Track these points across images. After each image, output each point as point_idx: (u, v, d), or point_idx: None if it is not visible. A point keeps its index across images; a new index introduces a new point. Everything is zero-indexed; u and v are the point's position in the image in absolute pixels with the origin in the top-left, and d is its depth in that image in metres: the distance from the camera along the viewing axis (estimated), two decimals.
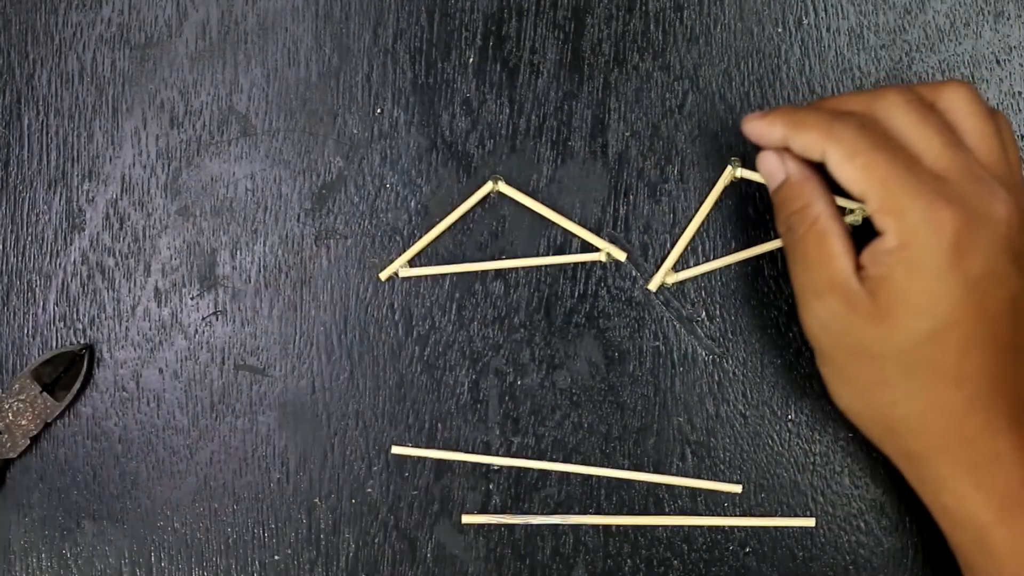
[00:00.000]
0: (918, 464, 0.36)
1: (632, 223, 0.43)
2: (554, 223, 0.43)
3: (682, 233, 0.42)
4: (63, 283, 0.44)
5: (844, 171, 0.34)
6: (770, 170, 0.37)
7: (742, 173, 0.42)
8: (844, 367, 0.36)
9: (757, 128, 0.36)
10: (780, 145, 0.36)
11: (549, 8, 0.43)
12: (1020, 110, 0.43)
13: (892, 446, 0.36)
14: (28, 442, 0.43)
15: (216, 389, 0.43)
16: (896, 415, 0.35)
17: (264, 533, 0.43)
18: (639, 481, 0.42)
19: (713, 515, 0.42)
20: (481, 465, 0.43)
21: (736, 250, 0.42)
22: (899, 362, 0.34)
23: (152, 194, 0.44)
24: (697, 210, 0.42)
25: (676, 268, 0.42)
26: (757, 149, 0.37)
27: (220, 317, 0.43)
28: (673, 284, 0.42)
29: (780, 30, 0.43)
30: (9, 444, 0.43)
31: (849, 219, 0.43)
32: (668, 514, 0.42)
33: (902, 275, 0.33)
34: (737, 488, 0.42)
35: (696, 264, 0.42)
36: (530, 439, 0.43)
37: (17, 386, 0.43)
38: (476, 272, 0.43)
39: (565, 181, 0.43)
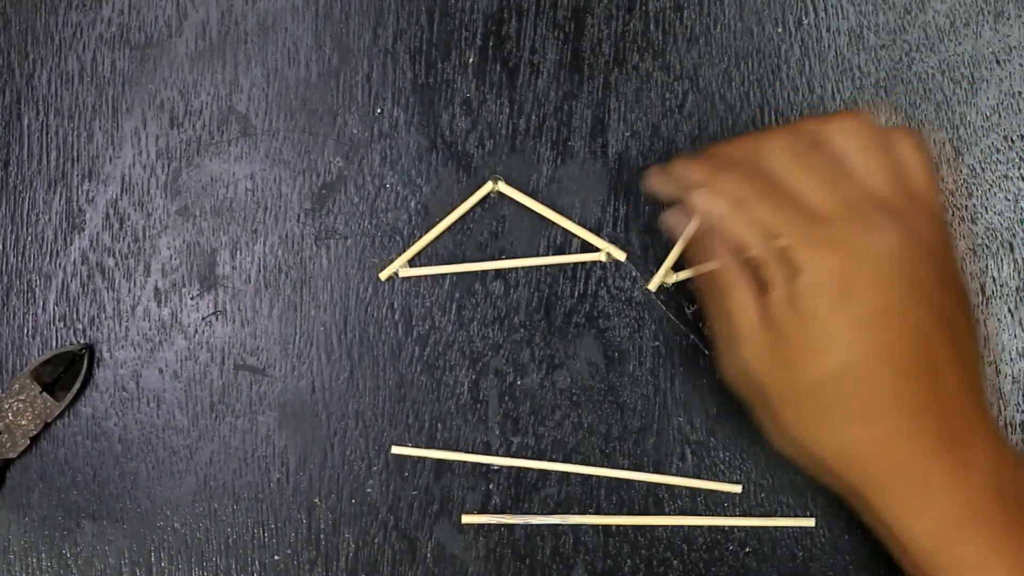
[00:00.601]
0: (857, 497, 0.36)
1: (632, 223, 0.43)
2: (554, 223, 0.43)
3: (682, 233, 0.42)
4: (63, 283, 0.44)
5: (729, 223, 0.35)
6: (672, 229, 0.39)
7: None
8: (767, 412, 0.36)
9: (656, 185, 0.38)
10: (676, 199, 0.37)
11: (549, 8, 0.43)
12: (1020, 110, 0.43)
13: (830, 482, 0.37)
14: (28, 442, 0.43)
15: (216, 389, 0.43)
16: (824, 454, 0.35)
17: (264, 533, 0.43)
18: (639, 481, 0.42)
19: (713, 515, 0.42)
20: (481, 465, 0.43)
21: None
22: (813, 403, 0.34)
23: (152, 194, 0.44)
24: None
25: (676, 268, 0.42)
26: None
27: (220, 317, 0.43)
28: (673, 284, 0.42)
29: (780, 30, 0.43)
30: (9, 444, 0.43)
31: None
32: (668, 514, 0.42)
33: (794, 322, 0.34)
34: (737, 488, 0.42)
35: (696, 264, 0.42)
36: (530, 439, 0.43)
37: (17, 386, 0.43)
38: (476, 272, 0.43)
39: (565, 181, 0.43)
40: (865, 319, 0.33)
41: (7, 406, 0.43)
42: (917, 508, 0.34)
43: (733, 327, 0.36)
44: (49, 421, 0.43)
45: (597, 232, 0.43)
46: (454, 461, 0.43)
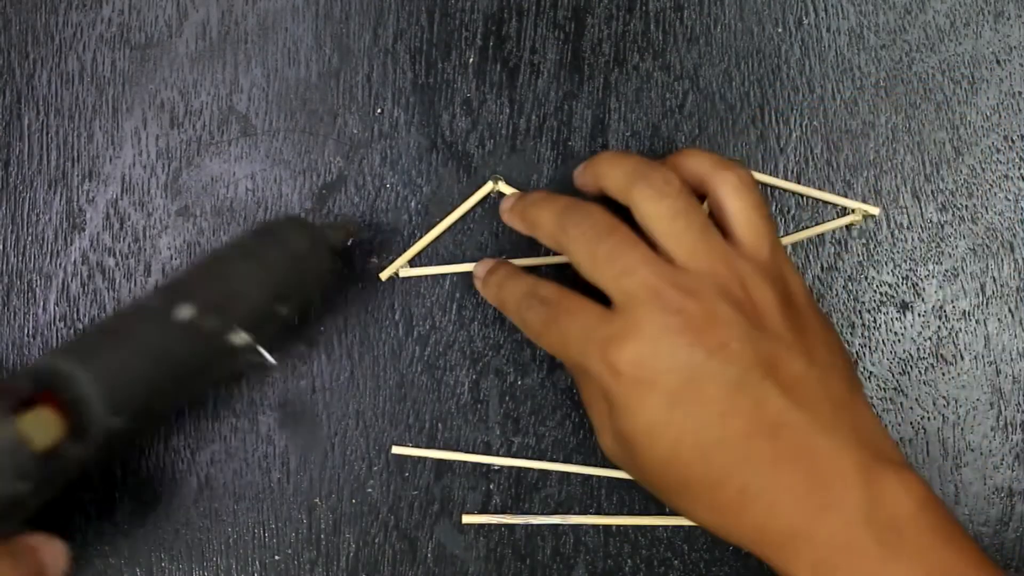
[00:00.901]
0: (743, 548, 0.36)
1: (632, 223, 0.43)
2: None
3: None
4: (63, 283, 0.44)
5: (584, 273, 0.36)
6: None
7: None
8: (649, 490, 0.37)
9: (508, 220, 0.40)
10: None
11: (549, 8, 0.43)
12: (1020, 110, 0.43)
13: (735, 545, 0.37)
14: None
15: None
16: (705, 524, 0.35)
17: (264, 533, 0.43)
18: None
19: None
20: (481, 465, 0.43)
21: None
22: (663, 489, 0.35)
23: (152, 194, 0.44)
24: None
25: None
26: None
27: None
28: None
29: (780, 30, 0.43)
30: None
31: (850, 219, 0.43)
32: (668, 514, 0.42)
33: (612, 421, 0.35)
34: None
35: None
36: (530, 439, 0.43)
37: None
38: None
39: (565, 181, 0.43)
40: (673, 398, 0.33)
41: None
42: (789, 556, 0.33)
43: (591, 419, 0.37)
44: None
45: None
46: (455, 461, 0.43)
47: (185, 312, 0.33)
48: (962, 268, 0.43)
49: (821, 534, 0.33)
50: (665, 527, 0.42)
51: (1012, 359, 0.43)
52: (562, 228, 0.36)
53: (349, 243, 0.40)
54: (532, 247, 0.43)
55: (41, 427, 0.29)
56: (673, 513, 0.42)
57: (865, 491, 0.33)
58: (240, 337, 0.34)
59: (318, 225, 0.39)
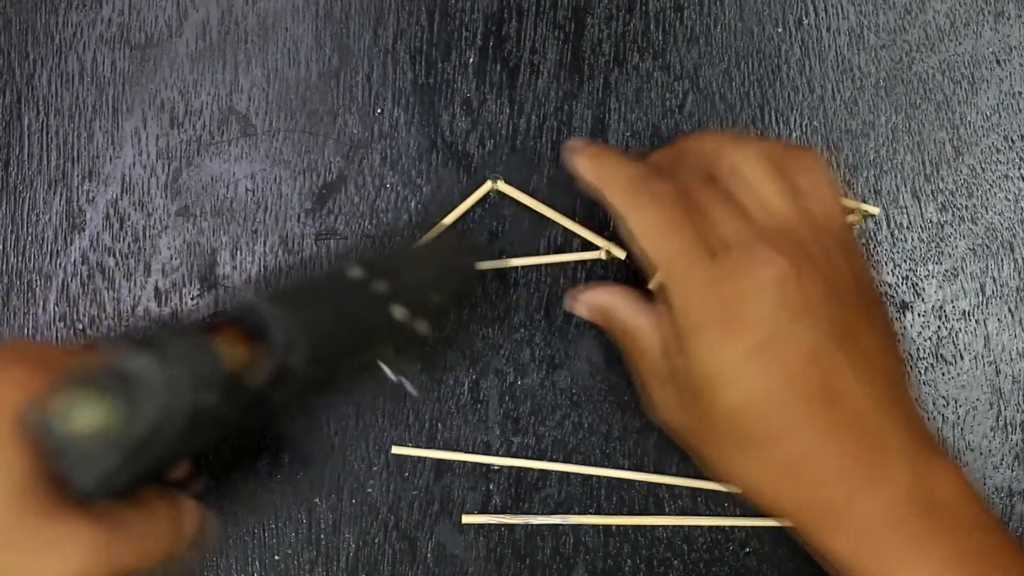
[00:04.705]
0: (797, 532, 0.36)
1: None
2: (554, 223, 0.43)
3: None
4: (63, 283, 0.44)
5: (634, 245, 0.36)
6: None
7: None
8: (690, 449, 0.37)
9: (573, 164, 0.39)
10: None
11: (549, 8, 0.43)
12: (1020, 110, 0.43)
13: (771, 512, 0.37)
14: None
15: None
16: (740, 483, 0.36)
17: (264, 533, 0.43)
18: (639, 481, 0.42)
19: (713, 515, 0.42)
20: (481, 465, 0.43)
21: None
22: (719, 439, 0.35)
23: (152, 194, 0.44)
24: None
25: None
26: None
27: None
28: None
29: (780, 30, 0.43)
30: None
31: (851, 219, 0.43)
32: (668, 514, 0.42)
33: (686, 361, 0.35)
34: (737, 488, 0.42)
35: None
36: (530, 439, 0.43)
37: None
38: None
39: (565, 181, 0.43)
40: (753, 349, 0.34)
41: None
42: (833, 527, 0.34)
43: (644, 370, 0.37)
44: None
45: (598, 232, 0.43)
46: (454, 461, 0.43)
47: (356, 272, 0.35)
48: (962, 268, 0.43)
49: (866, 507, 0.33)
50: (665, 527, 0.42)
51: (1012, 359, 0.43)
52: (643, 182, 0.36)
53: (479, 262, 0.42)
54: (532, 246, 0.43)
55: (233, 351, 0.31)
56: (672, 513, 0.42)
57: (911, 471, 0.34)
58: (401, 311, 0.35)
59: (467, 239, 0.42)
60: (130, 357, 0.29)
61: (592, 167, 0.38)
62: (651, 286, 0.42)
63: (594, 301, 0.40)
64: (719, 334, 0.34)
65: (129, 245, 0.44)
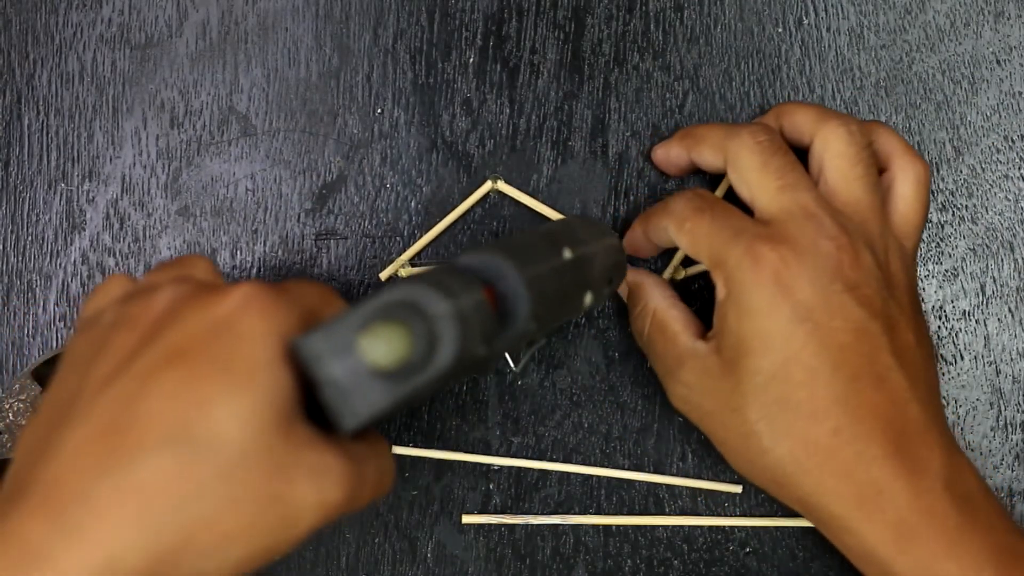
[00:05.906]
0: (811, 509, 0.35)
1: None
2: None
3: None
4: (63, 283, 0.44)
5: (679, 240, 0.37)
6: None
7: None
8: (717, 432, 0.37)
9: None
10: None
11: (549, 8, 0.43)
12: (1020, 110, 0.43)
13: (785, 497, 0.36)
14: None
15: None
16: (771, 463, 0.35)
17: None
18: (639, 481, 0.42)
19: (713, 515, 0.42)
20: (481, 465, 0.43)
21: None
22: (757, 408, 0.35)
23: (152, 194, 0.44)
24: None
25: (685, 264, 0.42)
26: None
27: None
28: (680, 280, 0.42)
29: (780, 30, 0.43)
30: (9, 444, 0.43)
31: None
32: (668, 514, 0.42)
33: (734, 321, 0.35)
34: (737, 488, 0.42)
35: (697, 263, 0.42)
36: (530, 439, 0.43)
37: (17, 386, 0.43)
38: None
39: (565, 181, 0.43)
40: (803, 312, 0.34)
41: (7, 406, 0.43)
42: (870, 512, 0.34)
43: (673, 355, 0.37)
44: None
45: None
46: (454, 461, 0.43)
47: (568, 254, 0.34)
48: (962, 268, 0.43)
49: (905, 495, 0.33)
50: (665, 527, 0.42)
51: (1012, 359, 0.43)
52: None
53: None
54: None
55: (490, 313, 0.30)
56: (672, 513, 0.42)
57: (947, 465, 0.34)
58: (589, 297, 0.35)
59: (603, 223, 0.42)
60: (434, 302, 0.28)
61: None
62: (665, 275, 0.42)
63: (634, 282, 0.40)
64: (771, 291, 0.34)
65: (129, 245, 0.44)
